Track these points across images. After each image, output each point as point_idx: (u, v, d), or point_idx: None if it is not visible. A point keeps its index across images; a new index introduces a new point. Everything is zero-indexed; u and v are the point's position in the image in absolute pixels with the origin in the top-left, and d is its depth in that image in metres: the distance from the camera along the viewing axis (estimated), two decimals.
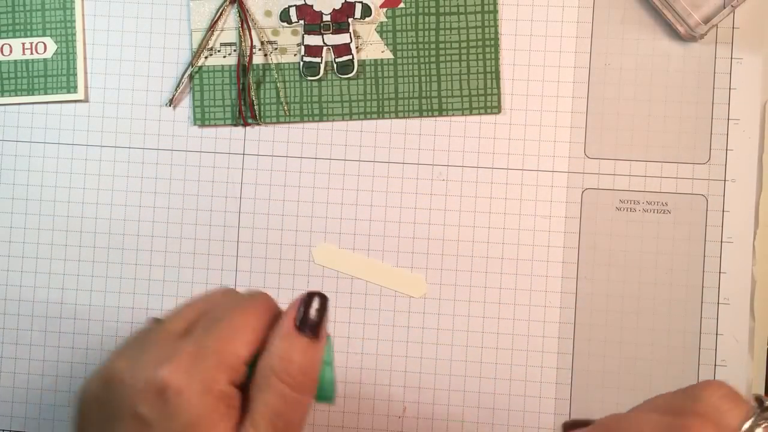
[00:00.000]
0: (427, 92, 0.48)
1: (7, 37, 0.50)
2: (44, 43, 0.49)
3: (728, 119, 0.47)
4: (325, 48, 0.48)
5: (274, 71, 0.49)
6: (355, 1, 0.48)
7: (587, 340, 0.47)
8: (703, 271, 0.47)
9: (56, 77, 0.49)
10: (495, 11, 0.48)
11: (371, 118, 0.48)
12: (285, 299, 0.48)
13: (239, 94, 0.49)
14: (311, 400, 0.33)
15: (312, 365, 0.33)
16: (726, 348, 0.47)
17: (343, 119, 0.49)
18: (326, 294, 0.34)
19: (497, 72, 0.48)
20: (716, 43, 0.47)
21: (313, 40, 0.48)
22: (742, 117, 0.47)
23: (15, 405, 0.49)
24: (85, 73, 0.50)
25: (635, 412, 0.32)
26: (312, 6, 0.48)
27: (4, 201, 0.50)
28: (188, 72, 0.49)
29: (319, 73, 0.48)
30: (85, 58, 0.49)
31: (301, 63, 0.48)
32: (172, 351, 0.33)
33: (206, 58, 0.49)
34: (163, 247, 0.49)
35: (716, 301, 0.47)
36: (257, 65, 0.49)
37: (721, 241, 0.47)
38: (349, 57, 0.48)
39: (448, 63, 0.48)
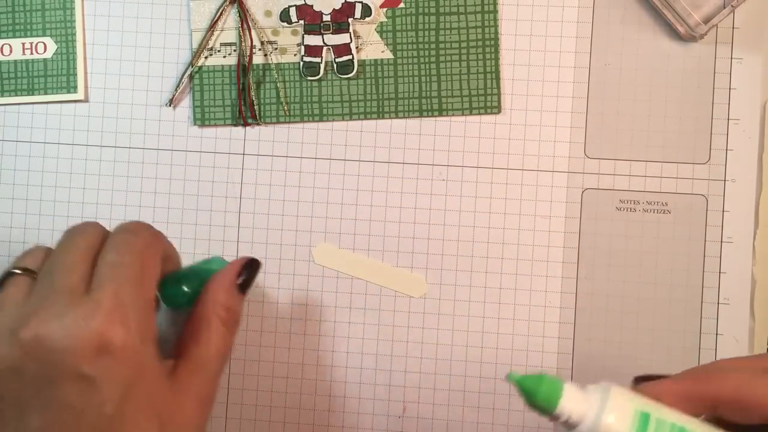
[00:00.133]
0: (427, 92, 0.48)
1: (7, 37, 0.50)
2: (44, 43, 0.49)
3: (728, 119, 0.47)
4: (325, 48, 0.48)
5: (274, 71, 0.49)
6: (355, 1, 0.48)
7: (587, 340, 0.47)
8: (703, 271, 0.47)
9: (56, 77, 0.49)
10: (495, 11, 0.48)
11: (371, 118, 0.48)
12: (285, 299, 0.48)
13: (239, 94, 0.49)
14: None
15: (240, 313, 0.40)
16: (726, 348, 0.47)
17: (343, 119, 0.49)
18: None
19: (497, 72, 0.48)
20: (716, 43, 0.47)
21: (313, 40, 0.48)
22: (742, 117, 0.47)
23: None
24: (85, 73, 0.50)
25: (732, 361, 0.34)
26: (312, 6, 0.48)
27: (4, 201, 0.50)
28: (188, 72, 0.49)
29: (319, 73, 0.48)
30: (85, 58, 0.49)
31: (301, 63, 0.48)
32: (94, 305, 0.33)
33: (206, 58, 0.49)
34: None
35: (716, 301, 0.47)
36: (257, 65, 0.49)
37: (721, 241, 0.47)
38: (349, 57, 0.48)
39: (448, 63, 0.48)
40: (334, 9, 0.48)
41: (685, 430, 0.33)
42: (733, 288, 0.47)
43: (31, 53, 0.49)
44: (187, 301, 0.40)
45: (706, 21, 0.46)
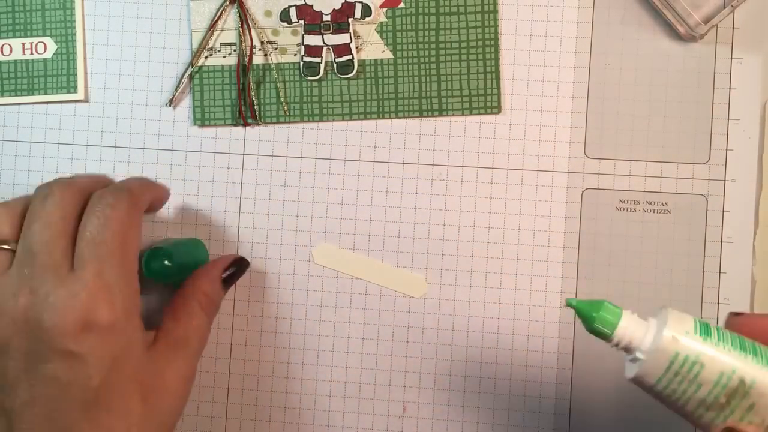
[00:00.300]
0: (427, 92, 0.48)
1: (7, 37, 0.49)
2: (44, 43, 0.49)
3: (728, 119, 0.47)
4: (325, 48, 0.48)
5: (274, 71, 0.49)
6: (355, 1, 0.48)
7: (587, 339, 0.47)
8: (703, 271, 0.47)
9: (56, 77, 0.49)
10: (495, 11, 0.48)
11: (371, 118, 0.48)
12: (285, 299, 0.48)
13: (239, 94, 0.49)
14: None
15: (218, 303, 0.44)
16: None
17: (343, 119, 0.49)
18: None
19: (497, 72, 0.48)
20: (716, 43, 0.47)
21: (313, 40, 0.48)
22: (742, 117, 0.47)
23: None
24: (85, 73, 0.50)
25: None
26: (312, 6, 0.48)
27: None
28: (188, 72, 0.49)
29: (319, 73, 0.48)
30: (85, 58, 0.49)
31: (301, 63, 0.48)
32: (80, 285, 0.34)
33: (206, 58, 0.49)
34: None
35: (716, 301, 0.47)
36: (257, 65, 0.49)
37: (721, 241, 0.47)
38: (349, 57, 0.48)
39: (448, 63, 0.48)
40: (334, 9, 0.48)
41: (756, 345, 0.32)
42: (733, 288, 0.47)
43: (31, 53, 0.49)
44: (169, 275, 0.43)
45: (706, 21, 0.46)
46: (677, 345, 0.32)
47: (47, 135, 0.50)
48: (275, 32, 0.49)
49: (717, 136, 0.47)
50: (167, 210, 0.49)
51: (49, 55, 0.49)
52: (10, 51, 0.49)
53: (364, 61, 0.48)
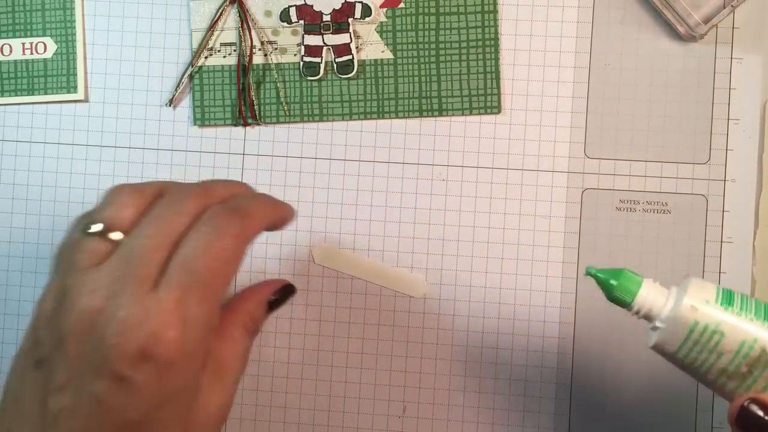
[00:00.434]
0: (427, 92, 0.48)
1: (7, 37, 0.50)
2: (44, 43, 0.49)
3: (728, 119, 0.47)
4: (325, 48, 0.48)
5: (274, 71, 0.49)
6: (355, 1, 0.48)
7: (587, 340, 0.47)
8: (703, 271, 0.47)
9: (56, 77, 0.49)
10: (495, 11, 0.48)
11: (371, 118, 0.48)
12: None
13: (239, 94, 0.49)
14: None
15: (260, 327, 0.40)
16: None
17: (343, 119, 0.49)
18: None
19: (497, 72, 0.48)
20: (716, 43, 0.47)
21: (313, 40, 0.48)
22: (742, 117, 0.47)
23: None
24: (85, 73, 0.50)
25: None
26: (312, 6, 0.48)
27: (4, 201, 0.50)
28: (188, 72, 0.49)
29: (319, 73, 0.48)
30: (85, 58, 0.49)
31: (301, 63, 0.48)
32: (154, 308, 0.32)
33: (206, 58, 0.49)
34: None
35: None
36: (257, 65, 0.49)
37: (721, 241, 0.47)
38: (349, 57, 0.48)
39: (448, 63, 0.48)
40: (334, 9, 0.48)
41: None
42: (733, 288, 0.47)
43: (31, 53, 0.49)
44: None
45: (706, 21, 0.46)
46: (696, 314, 0.32)
47: (47, 135, 0.50)
48: (275, 32, 0.49)
49: (717, 136, 0.47)
50: None
51: (49, 55, 0.49)
52: (10, 51, 0.50)
53: (364, 61, 0.48)
